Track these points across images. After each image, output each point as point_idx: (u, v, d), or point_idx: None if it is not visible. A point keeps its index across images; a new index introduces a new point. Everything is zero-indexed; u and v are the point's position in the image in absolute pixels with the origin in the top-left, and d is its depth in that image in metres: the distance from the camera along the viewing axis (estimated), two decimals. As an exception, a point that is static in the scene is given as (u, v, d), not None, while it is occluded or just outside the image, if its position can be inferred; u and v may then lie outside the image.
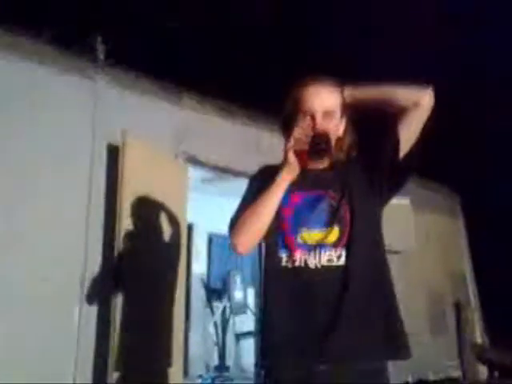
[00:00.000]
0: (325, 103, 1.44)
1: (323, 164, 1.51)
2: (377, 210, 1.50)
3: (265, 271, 1.52)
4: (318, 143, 1.39)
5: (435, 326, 6.01)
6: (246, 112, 4.52)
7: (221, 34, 3.79)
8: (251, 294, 6.49)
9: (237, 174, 4.44)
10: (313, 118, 1.44)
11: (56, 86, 3.36)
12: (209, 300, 6.52)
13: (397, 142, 1.43)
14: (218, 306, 6.44)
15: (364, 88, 1.57)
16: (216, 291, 6.51)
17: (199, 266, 6.47)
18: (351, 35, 3.92)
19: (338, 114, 1.47)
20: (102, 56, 3.53)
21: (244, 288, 6.52)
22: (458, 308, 6.59)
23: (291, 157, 1.39)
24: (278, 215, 1.45)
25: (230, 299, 6.39)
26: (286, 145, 1.41)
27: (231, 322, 6.45)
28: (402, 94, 1.49)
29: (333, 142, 1.44)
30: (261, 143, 4.52)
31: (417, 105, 1.45)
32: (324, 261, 1.39)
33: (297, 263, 1.40)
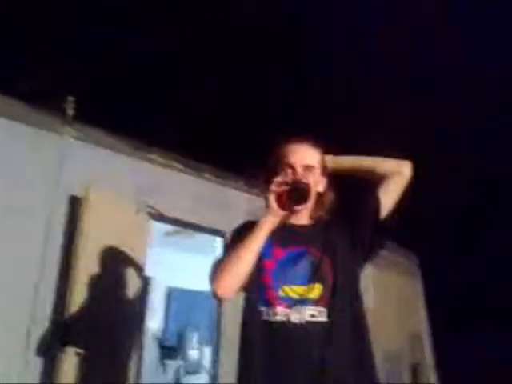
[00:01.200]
0: (305, 158, 1.53)
1: (304, 220, 1.55)
2: (357, 269, 1.54)
3: (243, 326, 1.49)
4: (298, 185, 1.45)
5: (392, 387, 5.93)
6: (211, 169, 4.56)
7: (188, 94, 3.88)
8: (208, 353, 6.28)
9: (199, 229, 4.42)
10: (294, 170, 1.51)
11: (23, 139, 3.37)
12: (162, 358, 6.25)
13: (378, 204, 1.51)
14: (172, 364, 6.18)
15: (345, 157, 1.66)
16: (170, 349, 6.26)
17: (155, 322, 6.24)
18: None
19: (317, 170, 1.55)
20: (70, 111, 3.56)
21: (200, 347, 6.31)
22: (415, 370, 6.56)
23: (272, 200, 1.43)
24: (260, 268, 1.45)
25: (184, 358, 6.15)
26: (268, 191, 1.46)
27: (184, 382, 6.18)
28: (385, 164, 1.58)
29: (312, 194, 1.50)
30: (225, 200, 4.53)
31: (399, 174, 1.55)
32: (307, 316, 1.39)
33: (278, 317, 1.40)
